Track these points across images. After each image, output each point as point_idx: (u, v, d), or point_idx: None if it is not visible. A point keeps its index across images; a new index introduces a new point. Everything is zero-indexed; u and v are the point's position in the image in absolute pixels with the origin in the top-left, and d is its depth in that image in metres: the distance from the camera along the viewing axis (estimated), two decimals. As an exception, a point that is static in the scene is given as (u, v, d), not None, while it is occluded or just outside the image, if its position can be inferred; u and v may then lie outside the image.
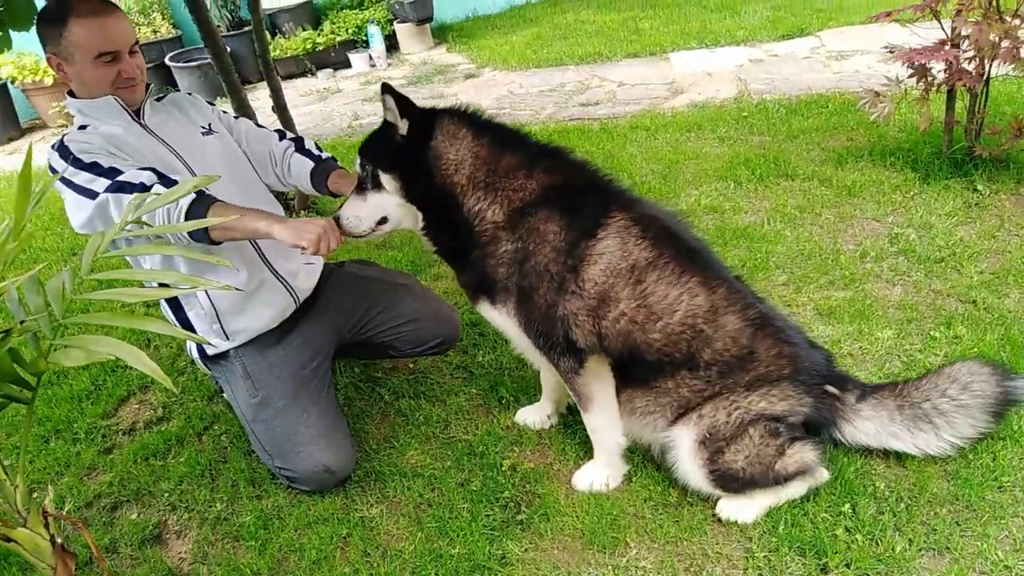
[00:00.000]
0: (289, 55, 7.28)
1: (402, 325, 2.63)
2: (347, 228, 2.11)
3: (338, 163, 2.51)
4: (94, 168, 2.08)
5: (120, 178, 2.02)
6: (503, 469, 2.35)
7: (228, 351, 2.41)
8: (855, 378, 2.23)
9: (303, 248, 2.00)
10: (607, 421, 2.18)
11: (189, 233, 2.03)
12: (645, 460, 2.29)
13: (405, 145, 2.04)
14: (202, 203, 1.99)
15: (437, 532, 2.16)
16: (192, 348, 2.50)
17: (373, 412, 2.69)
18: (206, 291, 2.35)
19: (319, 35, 7.40)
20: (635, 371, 2.10)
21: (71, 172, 2.07)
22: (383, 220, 2.13)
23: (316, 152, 2.54)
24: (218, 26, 6.98)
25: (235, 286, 2.26)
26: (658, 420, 2.13)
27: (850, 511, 2.04)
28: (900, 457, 2.16)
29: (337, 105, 6.43)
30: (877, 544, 1.96)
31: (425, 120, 2.06)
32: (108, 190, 2.01)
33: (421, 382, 2.80)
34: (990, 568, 1.87)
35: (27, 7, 2.81)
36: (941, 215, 3.38)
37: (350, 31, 7.45)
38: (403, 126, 2.03)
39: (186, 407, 2.83)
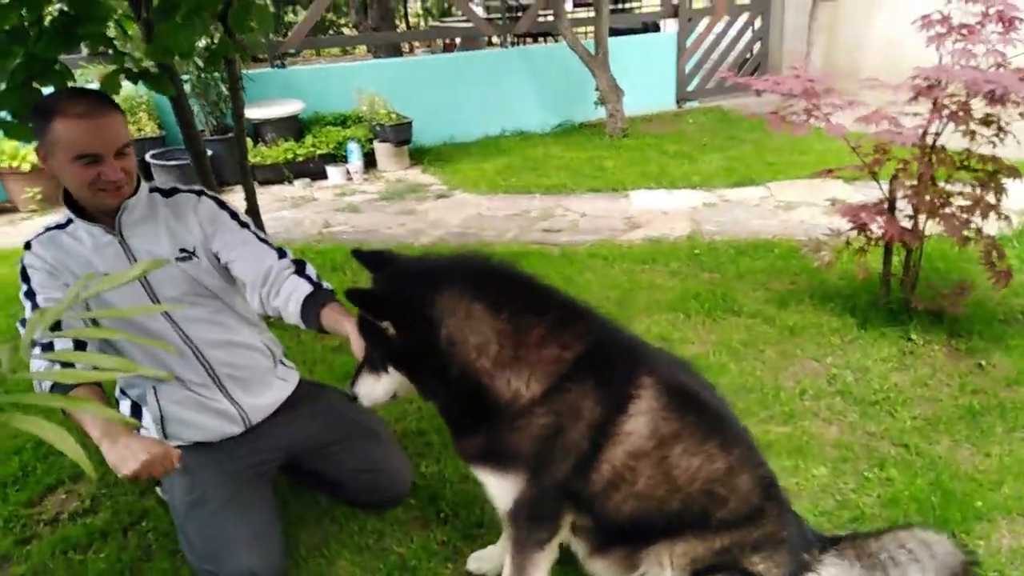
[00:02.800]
0: (269, 163, 7.50)
1: (358, 472, 2.55)
2: (367, 405, 2.00)
3: (335, 297, 2.26)
4: (25, 281, 2.22)
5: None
6: (435, 585, 2.31)
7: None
8: (816, 532, 2.25)
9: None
10: None
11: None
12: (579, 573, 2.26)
13: (402, 342, 1.82)
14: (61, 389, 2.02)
15: (360, 647, 2.09)
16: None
17: (308, 518, 2.64)
18: (155, 395, 2.37)
19: (300, 147, 7.67)
20: (634, 533, 1.98)
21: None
22: (396, 393, 1.99)
23: (315, 279, 2.32)
24: (202, 130, 7.23)
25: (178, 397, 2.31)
26: (654, 569, 2.02)
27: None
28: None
29: (310, 213, 6.60)
30: None
31: (416, 310, 1.78)
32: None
33: (361, 490, 2.76)
34: None
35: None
36: (877, 360, 3.53)
37: (331, 146, 7.74)
38: (388, 327, 1.81)
39: (116, 500, 2.75)
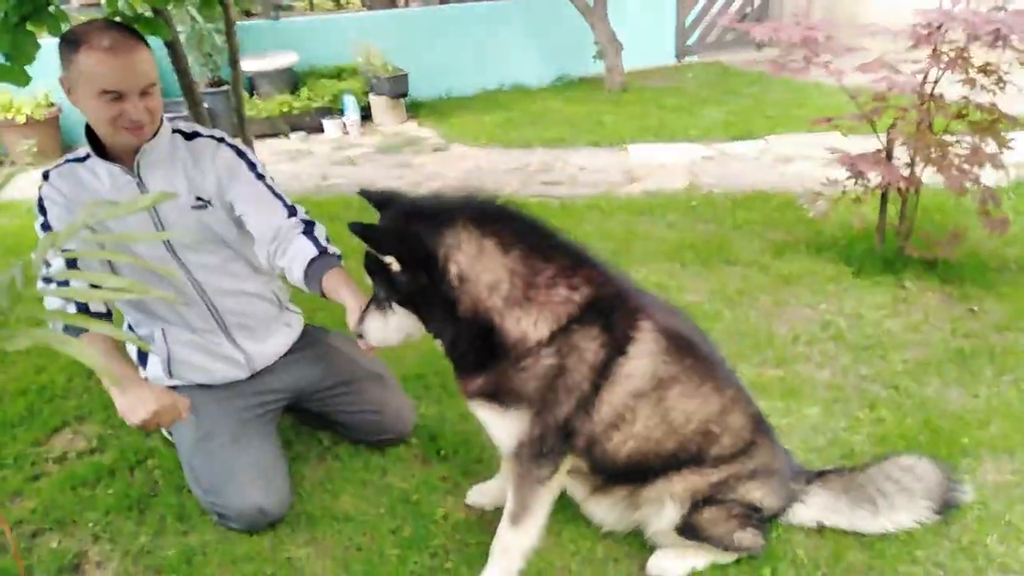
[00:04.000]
0: (265, 116, 7.45)
1: (362, 413, 2.61)
2: (374, 344, 1.97)
3: (340, 262, 2.25)
4: (42, 212, 2.24)
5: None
6: (436, 518, 2.37)
7: (176, 385, 2.44)
8: (802, 467, 2.32)
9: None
10: (527, 545, 2.03)
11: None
12: (575, 515, 2.33)
13: (407, 279, 1.79)
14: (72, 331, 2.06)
15: None
16: (142, 374, 2.51)
17: (311, 456, 2.70)
18: (164, 336, 2.41)
19: (296, 100, 7.61)
20: (633, 473, 2.03)
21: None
22: (410, 335, 1.95)
23: (323, 242, 2.25)
24: (197, 82, 7.16)
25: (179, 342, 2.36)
26: (657, 506, 2.08)
27: (769, 575, 2.10)
28: (820, 528, 2.24)
29: (307, 166, 6.57)
30: (792, 607, 2.02)
31: (423, 245, 1.74)
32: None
33: (362, 430, 2.82)
34: (897, 635, 1.94)
35: (33, 46, 2.89)
36: (870, 307, 3.58)
37: (326, 99, 7.68)
38: (392, 263, 1.77)
39: (121, 440, 2.80)
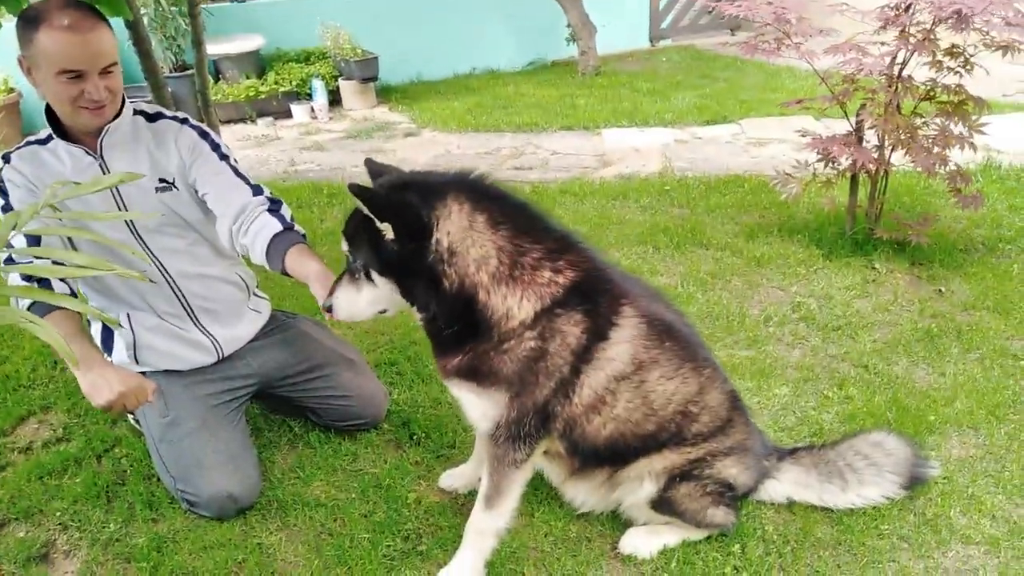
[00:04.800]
0: (231, 101, 7.32)
1: (334, 398, 2.58)
2: (342, 318, 1.90)
3: (306, 240, 2.21)
4: (2, 195, 2.18)
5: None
6: (408, 502, 2.36)
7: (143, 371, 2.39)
8: (774, 445, 2.36)
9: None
10: (501, 526, 2.03)
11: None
12: (548, 497, 2.33)
13: (398, 247, 1.75)
14: (37, 310, 2.02)
15: (335, 560, 2.14)
16: (111, 359, 2.47)
17: (281, 443, 2.67)
18: (129, 320, 2.36)
19: (263, 84, 7.49)
20: (612, 455, 2.04)
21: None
22: (384, 309, 1.91)
23: (288, 220, 2.23)
24: (161, 67, 7.01)
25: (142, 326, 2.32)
26: (636, 483, 2.09)
27: (739, 551, 2.13)
28: (790, 504, 2.27)
29: (274, 151, 6.48)
30: (763, 582, 2.04)
31: (419, 215, 1.72)
32: None
33: (334, 416, 2.79)
34: (865, 608, 1.97)
35: None
36: (840, 288, 3.61)
37: (294, 83, 7.57)
38: (387, 230, 1.73)
39: (87, 429, 2.75)
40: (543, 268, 1.82)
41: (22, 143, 2.24)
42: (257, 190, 2.30)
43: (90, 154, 2.20)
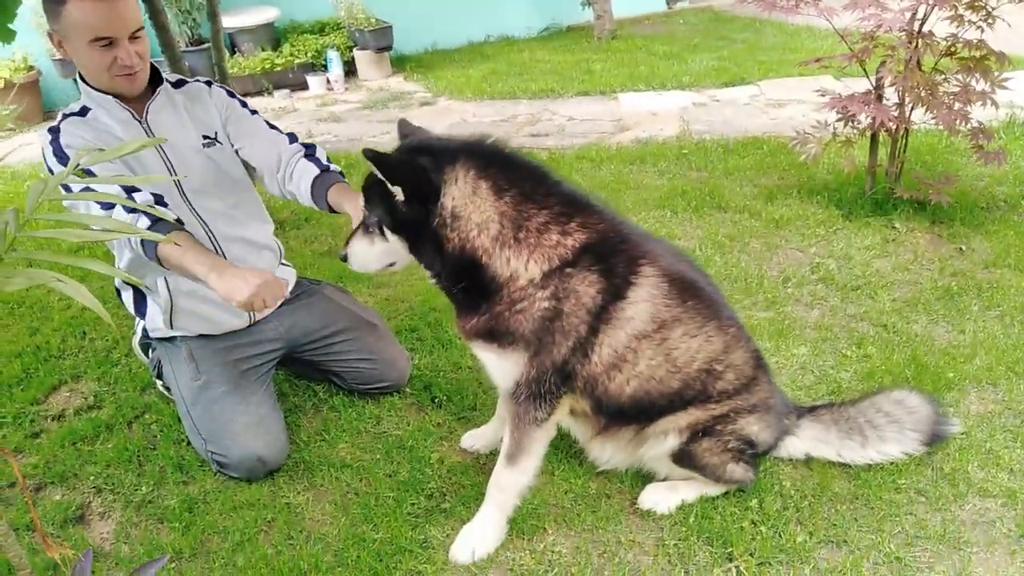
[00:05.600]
0: (247, 74, 7.34)
1: (358, 361, 2.64)
2: (355, 268, 2.02)
3: (343, 178, 2.36)
4: (62, 161, 2.16)
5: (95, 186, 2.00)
6: (431, 462, 2.41)
7: (175, 336, 2.46)
8: (794, 403, 2.37)
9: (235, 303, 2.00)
10: (523, 484, 2.07)
11: (142, 246, 2.10)
12: (569, 455, 2.37)
13: (408, 209, 1.84)
14: (161, 229, 2.05)
15: (361, 518, 2.20)
16: (138, 327, 2.52)
17: (307, 407, 2.73)
18: (167, 285, 2.39)
19: (278, 56, 7.49)
20: (639, 413, 2.07)
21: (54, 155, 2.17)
22: (393, 263, 2.01)
23: (324, 162, 2.38)
24: (177, 40, 7.03)
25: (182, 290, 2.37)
26: (660, 438, 2.12)
27: (756, 506, 2.16)
28: (808, 460, 2.30)
29: (292, 123, 6.50)
30: (780, 536, 2.07)
31: (429, 179, 1.79)
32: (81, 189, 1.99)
33: (357, 381, 2.84)
34: (883, 559, 1.99)
35: (13, 2, 2.81)
36: (860, 248, 3.59)
37: (309, 55, 7.56)
38: (398, 192, 1.81)
39: (118, 396, 2.82)
40: (550, 231, 1.86)
41: (61, 117, 2.24)
42: (292, 138, 2.44)
43: (136, 118, 2.29)
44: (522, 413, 2.00)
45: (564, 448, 2.38)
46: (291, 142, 2.42)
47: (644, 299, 1.92)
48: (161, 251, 2.05)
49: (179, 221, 2.23)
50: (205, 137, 2.39)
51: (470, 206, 1.81)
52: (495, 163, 1.85)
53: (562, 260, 1.86)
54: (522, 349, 1.91)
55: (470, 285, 1.90)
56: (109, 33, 2.10)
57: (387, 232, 1.90)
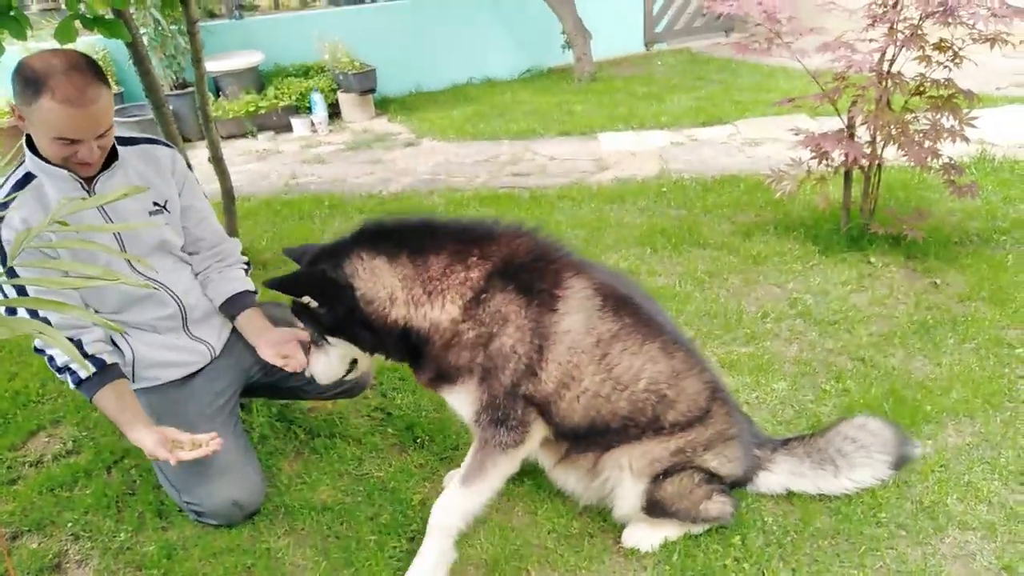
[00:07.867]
0: (231, 116, 7.39)
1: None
2: (323, 382, 2.17)
3: (255, 300, 2.53)
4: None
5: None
6: (413, 503, 2.40)
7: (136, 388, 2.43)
8: (768, 436, 2.41)
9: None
10: (470, 508, 2.06)
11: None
12: (551, 495, 2.37)
13: (329, 312, 1.99)
14: (102, 378, 2.19)
15: (342, 562, 2.18)
16: None
17: (287, 450, 2.71)
18: (128, 342, 2.37)
19: (262, 99, 7.56)
20: (594, 438, 2.10)
21: None
22: (354, 360, 2.14)
23: (243, 284, 2.53)
24: (161, 85, 7.08)
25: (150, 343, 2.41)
26: (616, 473, 2.14)
27: (739, 543, 2.16)
28: (789, 495, 2.31)
29: (276, 165, 6.54)
30: (763, 573, 2.07)
31: (329, 280, 1.95)
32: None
33: (337, 423, 2.83)
34: (864, 594, 2.00)
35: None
36: (837, 283, 3.65)
37: (294, 97, 7.64)
38: (312, 303, 1.99)
39: (97, 441, 2.79)
40: (454, 270, 1.97)
41: (9, 193, 2.15)
42: (234, 244, 2.61)
43: (84, 188, 2.22)
44: (488, 437, 2.04)
45: (546, 488, 2.38)
46: (235, 248, 2.59)
47: (576, 310, 1.98)
48: (96, 398, 2.21)
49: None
50: (155, 204, 2.36)
51: (375, 285, 1.95)
52: (382, 237, 2.00)
53: (475, 290, 1.96)
54: (468, 379, 2.00)
55: (410, 347, 2.01)
56: (76, 136, 2.06)
57: (329, 339, 2.05)
